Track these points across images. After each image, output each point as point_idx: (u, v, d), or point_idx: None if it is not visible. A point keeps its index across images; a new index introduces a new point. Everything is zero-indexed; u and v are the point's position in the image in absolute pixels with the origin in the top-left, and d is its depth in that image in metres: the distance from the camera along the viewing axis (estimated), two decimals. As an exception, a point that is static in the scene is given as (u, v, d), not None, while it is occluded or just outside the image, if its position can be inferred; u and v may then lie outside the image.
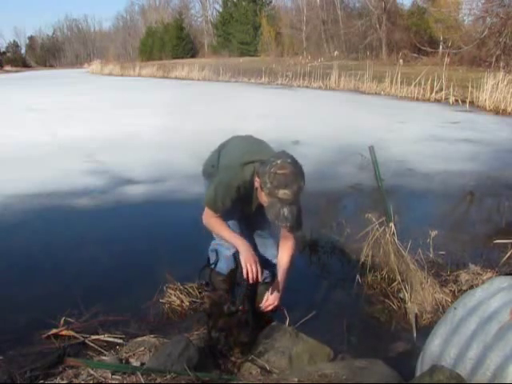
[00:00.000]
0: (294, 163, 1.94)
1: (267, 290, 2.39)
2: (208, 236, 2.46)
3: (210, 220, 2.20)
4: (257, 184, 2.01)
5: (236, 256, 2.32)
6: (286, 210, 1.91)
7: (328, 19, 30.25)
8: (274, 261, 2.37)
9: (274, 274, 2.39)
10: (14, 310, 2.60)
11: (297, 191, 1.90)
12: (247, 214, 2.33)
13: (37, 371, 2.02)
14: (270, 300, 2.27)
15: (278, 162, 1.91)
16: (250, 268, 2.06)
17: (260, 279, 2.14)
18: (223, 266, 2.37)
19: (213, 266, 2.42)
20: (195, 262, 2.67)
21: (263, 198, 1.99)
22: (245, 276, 2.07)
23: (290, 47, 31.64)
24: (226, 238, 2.20)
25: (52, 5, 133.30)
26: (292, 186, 1.89)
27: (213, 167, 2.34)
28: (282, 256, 2.27)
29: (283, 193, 1.88)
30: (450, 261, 3.09)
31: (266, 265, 2.36)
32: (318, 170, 5.50)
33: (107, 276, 3.07)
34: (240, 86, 20.09)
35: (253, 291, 2.48)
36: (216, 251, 2.40)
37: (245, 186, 2.08)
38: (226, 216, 2.20)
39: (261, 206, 2.15)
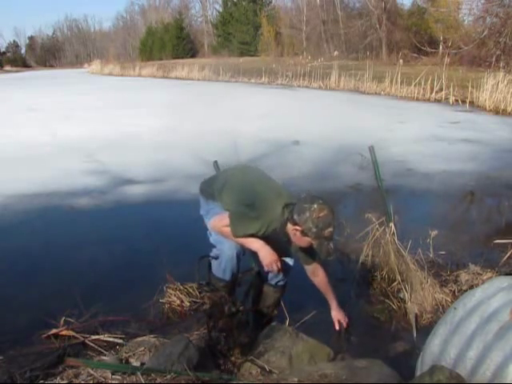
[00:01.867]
0: (325, 202, 2.09)
1: (275, 293, 2.48)
2: (207, 236, 2.46)
3: (222, 229, 2.24)
4: (294, 231, 2.10)
5: (239, 257, 2.33)
6: (331, 245, 2.10)
7: (328, 19, 30.21)
8: (289, 263, 2.41)
9: (287, 279, 2.46)
10: (14, 310, 2.60)
11: (335, 225, 2.10)
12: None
13: (37, 371, 2.02)
14: (341, 321, 2.41)
15: (315, 206, 2.05)
16: (272, 268, 2.20)
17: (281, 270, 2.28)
18: (226, 269, 2.37)
19: (212, 260, 2.42)
20: (195, 262, 2.67)
21: (305, 241, 2.11)
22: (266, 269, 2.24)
23: (290, 47, 31.61)
24: (241, 242, 2.23)
25: (52, 5, 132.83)
26: (333, 223, 2.08)
27: (215, 190, 2.38)
28: (320, 280, 2.39)
29: (328, 231, 2.06)
30: (450, 261, 3.09)
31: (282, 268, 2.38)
32: (318, 170, 5.50)
33: (107, 276, 3.07)
34: (240, 86, 20.09)
35: (258, 291, 2.49)
36: (218, 257, 2.39)
37: (280, 227, 2.18)
38: None
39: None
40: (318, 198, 2.11)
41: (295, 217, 2.07)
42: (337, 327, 2.39)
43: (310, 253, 2.27)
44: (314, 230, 2.04)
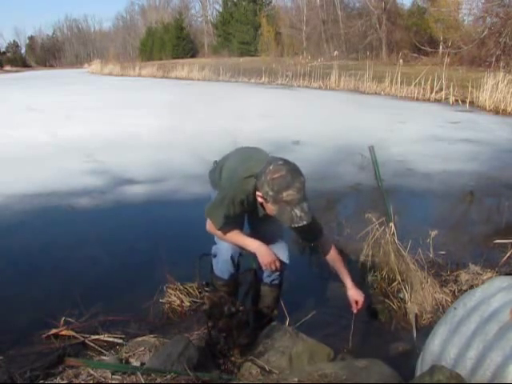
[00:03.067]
0: (286, 163, 1.91)
1: (272, 292, 2.43)
2: (208, 237, 2.46)
3: (216, 232, 2.17)
4: (260, 199, 1.98)
5: (234, 259, 2.32)
6: (297, 211, 1.87)
7: (328, 19, 30.22)
8: (285, 261, 2.36)
9: (282, 277, 2.42)
10: (14, 309, 2.60)
11: (299, 188, 1.86)
12: (253, 222, 2.33)
13: (37, 371, 2.02)
14: (359, 301, 2.24)
15: (271, 167, 1.88)
16: (271, 268, 2.15)
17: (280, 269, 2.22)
18: (223, 269, 2.37)
19: (212, 258, 2.42)
20: (196, 261, 2.68)
21: (271, 208, 1.95)
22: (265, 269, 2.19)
23: (289, 47, 31.59)
24: (237, 242, 2.19)
25: (52, 5, 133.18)
26: (293, 185, 1.85)
27: (217, 179, 2.34)
28: (333, 259, 2.27)
29: (287, 194, 1.85)
30: (450, 261, 3.09)
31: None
32: (318, 169, 5.50)
33: (107, 276, 3.07)
34: (240, 86, 20.08)
35: (256, 291, 2.49)
36: (215, 256, 2.40)
37: (248, 199, 2.06)
38: (230, 225, 2.16)
39: (268, 215, 2.14)
40: (280, 159, 1.92)
41: (257, 182, 1.93)
42: (354, 309, 2.25)
43: (308, 228, 2.09)
44: (271, 193, 1.86)
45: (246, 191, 2.03)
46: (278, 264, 2.17)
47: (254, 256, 2.24)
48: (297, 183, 1.86)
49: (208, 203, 2.20)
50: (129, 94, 16.76)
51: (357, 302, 2.25)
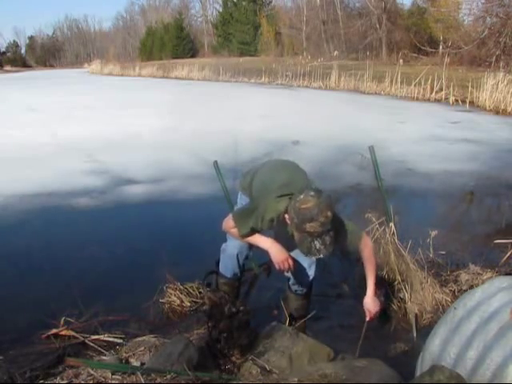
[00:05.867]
0: (318, 195, 1.91)
1: (296, 300, 2.44)
2: (208, 237, 2.47)
3: (230, 230, 2.19)
4: (288, 220, 2.01)
5: (239, 257, 2.33)
6: (317, 243, 1.90)
7: (328, 19, 30.21)
8: (309, 273, 2.37)
9: (308, 287, 2.42)
10: (14, 309, 2.60)
11: (324, 222, 1.87)
12: (282, 236, 2.30)
13: (37, 371, 2.02)
14: (371, 311, 2.21)
15: (301, 196, 1.91)
16: (283, 267, 2.13)
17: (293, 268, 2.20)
18: (228, 266, 2.38)
19: (221, 254, 2.43)
20: (195, 262, 2.68)
21: (294, 233, 1.98)
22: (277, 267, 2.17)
23: (289, 47, 31.60)
24: (250, 240, 2.19)
25: (52, 5, 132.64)
26: (318, 219, 1.86)
27: (247, 186, 2.35)
28: (365, 262, 2.24)
29: (310, 226, 1.87)
30: (450, 261, 3.09)
31: (299, 276, 2.36)
32: (318, 169, 5.49)
33: (107, 276, 3.07)
34: (240, 86, 20.08)
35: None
36: (223, 251, 2.41)
37: (278, 218, 2.08)
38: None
39: None
40: (314, 190, 1.95)
41: (289, 205, 1.97)
42: (367, 317, 2.22)
43: (343, 235, 2.09)
44: (295, 221, 1.91)
45: (277, 211, 2.06)
46: (290, 262, 2.15)
47: (269, 258, 2.22)
48: (322, 218, 1.86)
49: (237, 208, 2.23)
50: (129, 94, 16.76)
51: (369, 311, 2.22)
